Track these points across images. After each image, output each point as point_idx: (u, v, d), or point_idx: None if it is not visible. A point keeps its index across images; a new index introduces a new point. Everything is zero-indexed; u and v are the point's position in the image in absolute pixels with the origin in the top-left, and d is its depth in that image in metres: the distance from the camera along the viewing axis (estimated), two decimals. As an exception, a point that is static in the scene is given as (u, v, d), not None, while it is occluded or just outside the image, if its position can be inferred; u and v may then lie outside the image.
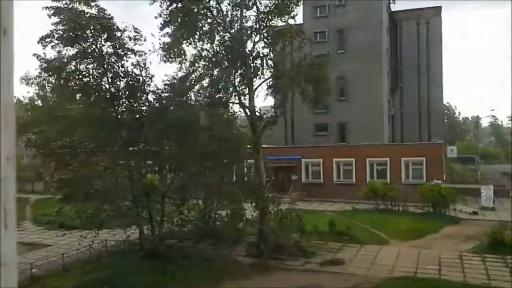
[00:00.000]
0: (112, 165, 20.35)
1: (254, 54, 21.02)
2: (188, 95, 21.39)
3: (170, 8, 20.60)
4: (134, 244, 20.54)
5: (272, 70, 21.77)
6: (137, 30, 19.32)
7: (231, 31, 21.19)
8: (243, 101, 21.29)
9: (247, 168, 24.28)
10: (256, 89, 21.40)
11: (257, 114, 21.69)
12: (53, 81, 20.80)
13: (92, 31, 18.71)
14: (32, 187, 45.73)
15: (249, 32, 21.26)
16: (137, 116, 20.37)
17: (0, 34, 1.20)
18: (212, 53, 21.35)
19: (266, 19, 21.26)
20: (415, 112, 52.40)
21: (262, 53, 21.33)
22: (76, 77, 19.42)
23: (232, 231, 21.35)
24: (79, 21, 18.13)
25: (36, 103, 51.19)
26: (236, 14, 21.32)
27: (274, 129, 32.12)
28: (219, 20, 21.17)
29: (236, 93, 21.25)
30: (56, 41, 18.31)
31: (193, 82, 21.42)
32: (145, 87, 20.05)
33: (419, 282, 16.51)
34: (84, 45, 18.84)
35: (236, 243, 21.09)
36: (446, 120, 73.33)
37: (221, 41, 21.37)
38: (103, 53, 19.12)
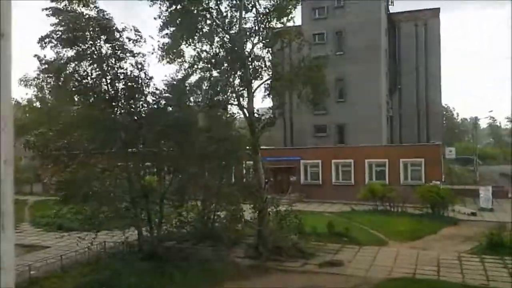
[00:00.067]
0: (110, 167, 20.32)
1: (253, 56, 21.05)
2: (187, 97, 21.38)
3: (169, 10, 20.61)
4: (133, 245, 20.51)
5: (270, 71, 21.78)
6: (137, 31, 19.34)
7: (230, 32, 21.22)
8: (241, 103, 21.31)
9: (246, 170, 24.26)
10: (255, 90, 21.43)
11: (256, 115, 21.70)
12: (52, 82, 20.73)
13: (91, 32, 18.70)
14: (30, 188, 45.65)
15: (248, 34, 21.28)
16: (136, 117, 20.36)
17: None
18: (211, 54, 21.36)
19: (265, 21, 21.29)
20: (413, 114, 52.46)
21: (261, 55, 21.36)
22: (75, 78, 19.40)
23: (230, 233, 21.34)
24: (78, 22, 18.12)
25: (34, 104, 51.12)
26: (235, 15, 21.33)
27: (273, 131, 32.14)
28: (218, 22, 21.18)
29: (235, 95, 21.26)
30: (55, 42, 18.31)
31: (192, 84, 21.43)
32: (144, 88, 20.05)
33: (418, 283, 16.51)
34: (83, 47, 18.83)
35: (234, 245, 21.07)
36: (444, 121, 73.41)
37: (221, 43, 21.39)
38: (102, 54, 19.12)
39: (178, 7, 20.67)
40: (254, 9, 21.32)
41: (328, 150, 39.91)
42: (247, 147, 21.52)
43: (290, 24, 22.39)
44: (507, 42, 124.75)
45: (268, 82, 21.73)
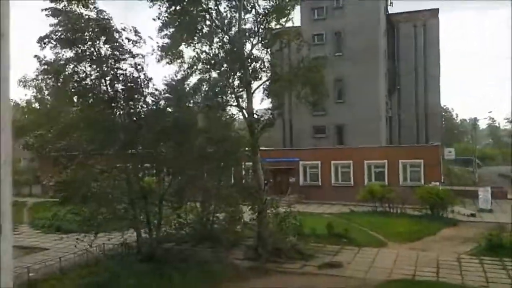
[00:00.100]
0: (109, 168, 20.29)
1: (252, 57, 21.05)
2: (186, 98, 21.36)
3: (169, 10, 20.61)
4: (132, 247, 20.48)
5: (269, 72, 21.78)
6: (137, 32, 19.31)
7: (230, 33, 21.23)
8: (241, 104, 21.31)
9: (245, 171, 24.25)
10: (254, 91, 21.44)
11: (255, 116, 21.70)
12: (51, 83, 20.69)
13: (90, 33, 18.67)
14: (29, 190, 45.58)
15: (247, 35, 21.29)
16: (135, 118, 20.34)
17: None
18: (210, 55, 21.36)
19: (264, 22, 21.31)
20: (412, 114, 52.52)
21: (260, 56, 21.38)
22: (74, 79, 19.37)
23: (230, 234, 21.32)
24: (77, 23, 18.10)
25: (33, 105, 51.13)
26: (235, 16, 21.34)
27: (272, 132, 32.16)
28: (217, 23, 21.19)
29: (234, 96, 21.26)
30: (54, 43, 18.29)
31: (191, 85, 21.43)
32: (144, 89, 20.02)
33: (417, 284, 16.51)
34: (82, 48, 18.80)
35: (234, 246, 21.05)
36: (443, 122, 73.47)
37: (220, 44, 21.40)
38: (102, 55, 19.09)
39: (178, 7, 20.68)
40: (253, 10, 21.36)
41: (327, 151, 39.91)
42: (246, 148, 21.51)
43: (289, 24, 22.43)
44: (507, 42, 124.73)
45: (267, 83, 21.75)
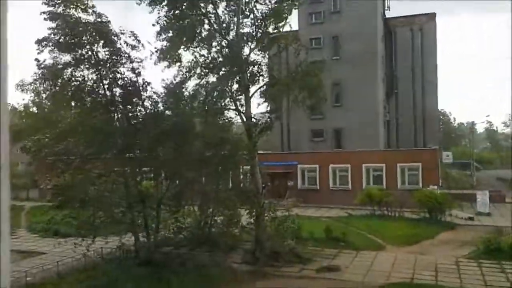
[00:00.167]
0: (107, 172, 20.28)
1: (250, 61, 21.10)
2: (185, 101, 21.36)
3: (168, 15, 20.65)
4: (130, 251, 20.43)
5: (267, 76, 21.82)
6: (135, 36, 19.31)
7: (228, 37, 21.27)
8: (239, 107, 21.33)
9: (243, 174, 24.24)
10: (252, 95, 21.46)
11: (253, 120, 21.72)
12: (49, 87, 20.67)
13: (89, 37, 18.68)
14: (27, 194, 45.47)
15: (245, 38, 21.35)
16: (133, 122, 20.33)
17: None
18: (209, 59, 21.40)
19: (262, 25, 21.36)
20: (410, 118, 52.59)
21: (258, 60, 21.43)
22: (72, 83, 19.37)
23: (228, 238, 21.29)
24: (75, 27, 18.10)
25: (31, 110, 51.09)
26: (233, 20, 21.39)
27: (270, 135, 32.17)
28: (216, 27, 21.24)
29: (232, 99, 21.29)
30: (52, 47, 18.29)
31: (189, 89, 21.45)
32: (142, 93, 20.03)
33: (416, 288, 16.51)
34: (81, 51, 18.80)
35: (232, 250, 21.02)
36: (441, 126, 73.63)
37: (218, 48, 21.44)
38: (100, 59, 19.09)
39: (177, 12, 20.73)
40: (251, 14, 21.42)
41: (325, 155, 39.93)
42: (244, 152, 21.51)
43: (287, 28, 22.50)
44: (506, 42, 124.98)
45: (265, 87, 21.77)
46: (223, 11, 21.45)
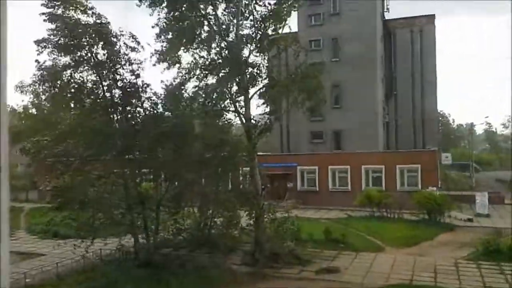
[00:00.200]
0: (106, 173, 20.29)
1: (249, 62, 21.12)
2: (184, 103, 21.37)
3: (168, 16, 20.66)
4: (129, 253, 20.43)
5: (267, 78, 21.83)
6: (135, 38, 19.33)
7: (227, 39, 21.29)
8: (238, 109, 21.34)
9: (243, 176, 24.24)
10: (251, 97, 21.48)
11: (253, 121, 21.73)
12: (48, 89, 20.68)
13: (88, 39, 18.69)
14: (26, 196, 45.42)
15: (245, 40, 21.37)
16: (133, 123, 20.34)
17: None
18: (209, 60, 21.41)
19: (261, 27, 21.39)
20: (409, 120, 52.64)
21: (257, 62, 21.45)
22: (72, 85, 19.38)
23: (227, 239, 21.29)
24: (75, 29, 18.10)
25: (30, 111, 51.10)
26: (232, 22, 21.41)
27: (270, 137, 32.17)
28: (215, 28, 21.26)
29: (231, 101, 21.31)
30: (51, 48, 18.30)
31: (189, 90, 21.47)
32: (141, 94, 20.03)
33: (415, 289, 16.51)
34: (80, 53, 18.80)
35: (231, 252, 21.01)
36: (440, 127, 73.67)
37: (218, 49, 21.46)
38: (99, 61, 19.09)
39: (176, 13, 20.75)
40: (251, 16, 21.44)
41: (325, 156, 39.96)
42: (244, 153, 21.52)
43: (286, 30, 22.52)
44: (506, 43, 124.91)
45: (264, 88, 21.78)
46: (222, 13, 21.50)
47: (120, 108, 20.04)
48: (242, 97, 21.33)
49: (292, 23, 23.11)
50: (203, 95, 21.16)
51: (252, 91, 21.54)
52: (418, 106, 52.76)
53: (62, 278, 18.24)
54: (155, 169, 20.96)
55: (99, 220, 19.19)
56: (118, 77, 19.51)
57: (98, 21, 18.92)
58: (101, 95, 19.57)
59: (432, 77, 52.99)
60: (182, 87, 21.38)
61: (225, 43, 21.32)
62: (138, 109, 20.51)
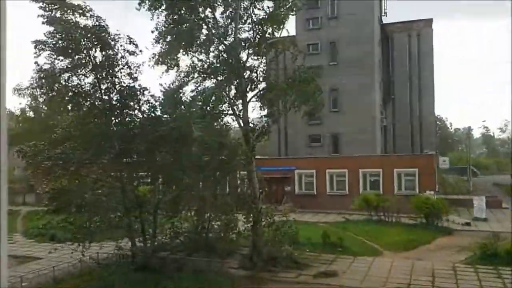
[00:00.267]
0: (104, 177, 20.24)
1: (248, 66, 21.15)
2: (183, 106, 21.35)
3: (167, 19, 20.67)
4: (126, 256, 20.36)
5: (264, 81, 21.86)
6: (132, 41, 19.30)
7: (226, 42, 21.32)
8: (236, 112, 21.34)
9: (241, 179, 24.23)
10: (249, 100, 21.48)
11: (251, 125, 21.74)
12: (46, 92, 20.63)
13: (87, 42, 18.66)
14: (23, 199, 45.30)
15: (243, 44, 21.41)
16: (130, 126, 20.30)
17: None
18: (207, 64, 21.43)
19: (259, 31, 21.44)
20: (407, 123, 52.80)
21: (255, 65, 21.47)
22: (69, 88, 19.34)
23: (225, 243, 21.25)
24: (73, 32, 18.07)
25: (28, 114, 51.00)
26: (231, 25, 21.43)
27: (268, 140, 32.16)
28: (214, 31, 21.29)
29: (230, 105, 21.32)
30: (49, 51, 18.26)
31: (187, 93, 21.47)
32: (139, 97, 20.00)
33: (413, 293, 16.49)
34: (78, 56, 18.77)
35: (229, 255, 20.97)
36: (438, 131, 73.86)
37: (216, 53, 21.49)
38: (97, 64, 19.06)
39: (175, 17, 20.77)
40: (249, 19, 21.48)
41: (323, 160, 39.98)
42: (242, 157, 21.50)
43: (284, 34, 22.56)
44: (506, 46, 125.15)
45: (262, 91, 21.80)
46: (221, 16, 21.53)
47: (118, 111, 20.01)
48: (240, 101, 21.35)
49: (290, 27, 23.19)
50: (202, 99, 21.13)
51: (250, 94, 21.58)
52: (416, 110, 52.95)
53: (59, 281, 18.17)
54: (153, 172, 20.92)
55: (96, 224, 19.13)
56: (116, 80, 19.48)
57: (97, 23, 18.89)
58: (99, 98, 19.54)
59: (429, 81, 53.18)
60: (181, 90, 21.39)
61: (224, 47, 21.35)
62: (136, 112, 20.48)
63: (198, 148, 20.50)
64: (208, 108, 20.94)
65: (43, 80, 19.20)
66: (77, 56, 18.71)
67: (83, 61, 18.86)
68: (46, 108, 44.27)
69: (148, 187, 22.31)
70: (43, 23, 17.97)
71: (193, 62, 21.57)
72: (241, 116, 21.24)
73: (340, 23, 46.67)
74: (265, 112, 22.63)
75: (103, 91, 19.37)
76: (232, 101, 21.32)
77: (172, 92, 20.80)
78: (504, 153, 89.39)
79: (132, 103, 19.95)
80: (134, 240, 19.95)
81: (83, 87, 19.37)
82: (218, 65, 21.14)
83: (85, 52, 18.74)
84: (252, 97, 21.62)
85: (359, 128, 43.78)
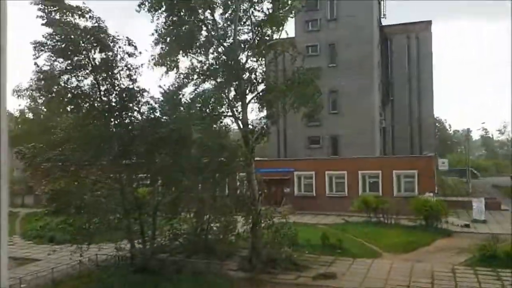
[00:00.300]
0: (103, 178, 20.21)
1: (247, 67, 21.16)
2: (182, 108, 21.35)
3: (167, 20, 20.68)
4: (125, 258, 20.33)
5: (264, 83, 21.87)
6: (132, 42, 19.32)
7: (225, 44, 21.33)
8: (236, 114, 21.35)
9: (240, 181, 24.22)
10: (249, 102, 21.50)
11: (250, 126, 21.74)
12: (45, 93, 20.64)
13: (86, 43, 18.66)
14: (22, 200, 45.24)
15: (242, 46, 21.43)
16: (130, 127, 20.30)
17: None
18: (206, 65, 21.44)
19: (258, 32, 21.46)
20: (406, 125, 52.84)
21: (254, 67, 21.48)
22: (68, 89, 19.34)
23: (224, 245, 21.22)
24: (72, 34, 18.07)
25: (27, 115, 50.96)
26: (230, 27, 21.45)
27: (267, 142, 32.17)
28: (213, 33, 21.31)
29: (229, 106, 21.33)
30: (48, 52, 18.26)
31: (187, 95, 21.47)
32: (139, 99, 20.00)
33: (412, 295, 16.48)
34: (78, 57, 18.77)
35: (228, 257, 20.95)
36: (437, 133, 73.92)
37: (216, 54, 21.50)
38: (96, 65, 19.06)
39: (175, 18, 20.79)
40: (249, 21, 21.51)
41: (322, 162, 39.97)
42: (241, 159, 21.49)
43: (283, 35, 22.59)
44: (506, 48, 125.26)
45: (261, 93, 21.81)
46: (220, 18, 21.56)
47: (117, 113, 20.01)
48: (239, 102, 21.36)
49: (289, 29, 23.22)
50: (201, 100, 21.13)
51: (249, 96, 21.59)
52: (415, 112, 53.02)
53: (58, 283, 18.14)
54: (152, 174, 20.91)
55: (95, 225, 19.11)
56: (115, 81, 19.48)
57: (96, 24, 18.90)
58: (98, 99, 19.54)
59: (428, 83, 53.27)
60: (180, 92, 21.39)
61: (223, 48, 21.36)
62: (135, 114, 20.49)
63: (197, 150, 20.50)
64: (207, 109, 20.92)
65: (43, 82, 19.20)
66: (76, 58, 18.72)
67: (83, 63, 18.87)
68: (45, 109, 44.29)
69: (148, 189, 22.28)
70: (42, 25, 17.99)
71: (192, 64, 21.61)
72: (241, 117, 21.25)
73: (339, 25, 46.75)
74: (264, 114, 22.65)
75: (102, 92, 19.37)
76: (231, 102, 21.32)
77: (172, 93, 20.80)
78: (503, 155, 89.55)
79: (131, 105, 19.95)
80: (133, 242, 19.93)
81: (82, 88, 19.37)
82: (217, 66, 21.14)
83: (84, 53, 18.75)
84: (252, 98, 21.63)
85: (358, 130, 43.82)
